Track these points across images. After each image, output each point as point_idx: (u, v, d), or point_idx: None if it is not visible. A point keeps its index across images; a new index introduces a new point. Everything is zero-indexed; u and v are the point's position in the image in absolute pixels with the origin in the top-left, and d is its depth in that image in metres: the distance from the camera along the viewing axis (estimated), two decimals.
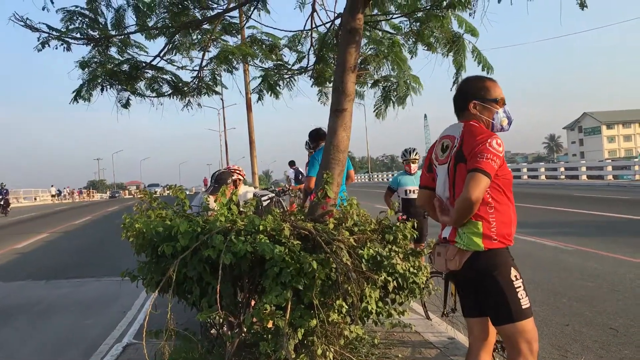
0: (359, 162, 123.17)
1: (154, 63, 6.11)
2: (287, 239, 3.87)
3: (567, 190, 26.54)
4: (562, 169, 37.33)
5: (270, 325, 3.94)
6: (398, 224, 4.36)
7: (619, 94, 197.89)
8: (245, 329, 4.05)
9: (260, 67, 6.81)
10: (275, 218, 4.10)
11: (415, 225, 4.48)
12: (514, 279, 2.86)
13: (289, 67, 6.43)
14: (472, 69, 6.43)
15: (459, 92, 3.13)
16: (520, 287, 2.86)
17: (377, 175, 67.68)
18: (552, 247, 10.64)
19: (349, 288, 3.73)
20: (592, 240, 10.91)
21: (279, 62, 6.57)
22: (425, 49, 5.97)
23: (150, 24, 6.04)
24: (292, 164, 15.56)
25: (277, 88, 6.73)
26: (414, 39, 5.86)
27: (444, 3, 4.87)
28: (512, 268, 2.88)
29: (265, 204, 6.28)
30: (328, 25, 5.89)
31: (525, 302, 2.85)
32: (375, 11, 6.16)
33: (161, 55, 5.99)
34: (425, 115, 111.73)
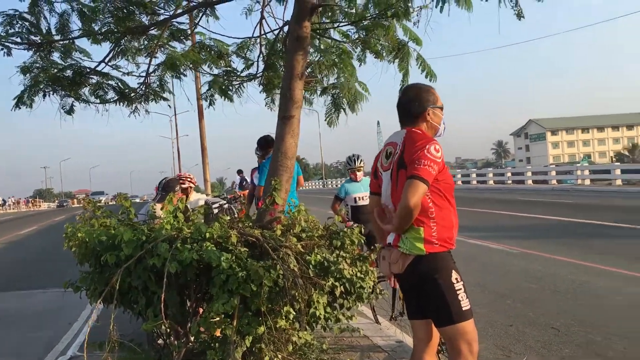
0: (313, 169, 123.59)
1: (98, 69, 5.99)
2: (234, 246, 3.86)
3: (514, 194, 27.32)
4: (509, 174, 38.42)
5: (218, 333, 3.92)
6: (345, 229, 4.41)
7: (563, 101, 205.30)
8: (192, 338, 4.01)
9: (209, 73, 6.78)
10: (222, 225, 4.08)
11: (363, 230, 4.54)
12: (454, 281, 2.94)
13: (238, 73, 6.42)
14: (416, 76, 6.57)
15: (415, 100, 3.17)
16: (460, 289, 2.94)
17: (332, 182, 67.98)
18: (498, 250, 10.93)
19: (296, 294, 3.75)
20: (537, 243, 11.26)
21: (227, 68, 6.54)
22: (374, 56, 6.08)
23: (96, 29, 5.93)
24: (239, 172, 16.18)
25: (230, 93, 6.71)
26: (361, 47, 5.95)
27: (389, 13, 4.96)
28: (453, 271, 2.96)
29: (216, 211, 6.23)
30: (277, 32, 5.92)
31: (465, 304, 2.94)
32: (324, 19, 6.23)
33: (106, 60, 5.88)
34: (379, 122, 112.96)
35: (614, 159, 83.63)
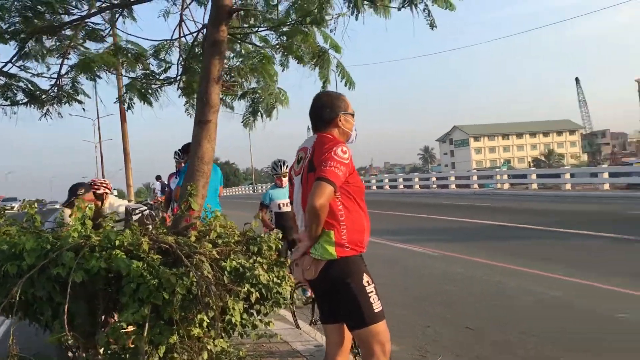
0: (243, 174, 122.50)
1: (5, 69, 5.69)
2: (146, 254, 3.76)
3: (438, 198, 28.14)
4: (434, 179, 39.63)
5: (130, 344, 3.80)
6: (263, 235, 4.39)
7: (486, 108, 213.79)
8: (101, 350, 3.87)
9: (127, 76, 6.59)
10: (134, 232, 3.97)
11: (288, 236, 4.54)
12: (366, 284, 2.99)
13: (157, 77, 6.28)
14: (337, 83, 6.63)
15: (326, 106, 3.22)
16: (372, 292, 2.99)
17: (262, 187, 67.61)
18: (420, 253, 11.22)
19: (210, 301, 3.69)
20: (456, 246, 11.63)
21: (146, 71, 6.38)
22: (297, 62, 6.10)
23: (4, 27, 5.63)
24: (158, 177, 16.31)
25: (148, 97, 6.55)
26: (283, 52, 5.96)
27: (308, 19, 5.00)
28: (364, 274, 3.01)
29: (136, 217, 6.05)
30: (195, 35, 5.84)
31: (377, 306, 2.99)
32: (245, 24, 6.20)
33: (12, 61, 5.59)
34: (309, 127, 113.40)
35: (531, 164, 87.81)
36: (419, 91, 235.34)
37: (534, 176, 30.56)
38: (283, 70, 6.19)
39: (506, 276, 8.51)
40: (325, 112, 3.19)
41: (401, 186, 40.40)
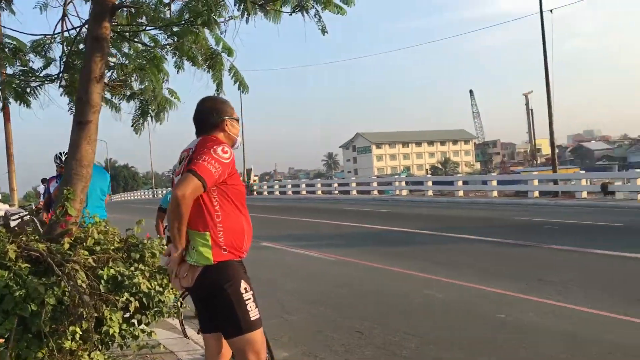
0: (143, 178, 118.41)
1: None
2: (12, 262, 3.50)
3: (339, 204, 28.64)
4: (336, 185, 40.31)
5: None
6: (145, 241, 4.23)
7: (388, 116, 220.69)
8: None
9: (4, 73, 6.14)
10: (0, 239, 3.68)
11: (165, 242, 4.38)
12: (243, 291, 2.93)
13: (36, 74, 5.88)
14: (229, 87, 6.55)
15: (212, 110, 3.16)
16: (250, 299, 2.94)
17: (162, 191, 65.60)
18: (317, 258, 11.31)
19: (84, 312, 3.49)
20: (353, 251, 11.85)
21: (24, 68, 5.97)
22: (191, 64, 5.96)
23: None
24: (44, 180, 15.43)
25: (26, 96, 6.11)
26: (173, 53, 5.80)
27: (199, 20, 4.89)
28: (242, 280, 2.95)
29: (15, 222, 5.66)
30: (78, 30, 5.53)
31: (254, 314, 2.94)
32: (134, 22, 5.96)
33: None
34: None
35: (429, 172, 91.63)
36: (325, 98, 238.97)
37: (429, 183, 31.92)
38: (178, 72, 6.04)
39: (398, 280, 8.77)
40: (211, 116, 3.13)
41: (304, 192, 40.74)
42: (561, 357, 5.00)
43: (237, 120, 3.24)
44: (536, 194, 24.78)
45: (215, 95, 3.39)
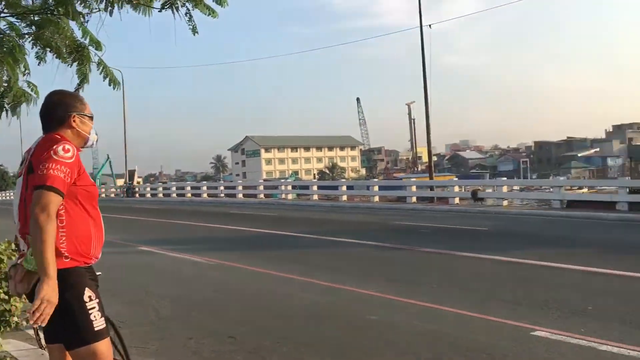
0: (12, 177, 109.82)
1: None
2: None
3: (225, 208, 28.25)
4: (222, 188, 39.77)
5: None
6: None
7: (277, 121, 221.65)
8: None
9: None
10: None
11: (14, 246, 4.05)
12: (87, 300, 2.74)
13: None
14: (97, 82, 6.19)
15: (59, 104, 2.92)
16: (94, 307, 2.75)
17: None
18: (198, 262, 11.02)
19: None
20: (235, 255, 11.71)
21: None
22: (55, 56, 5.57)
23: None
24: None
25: None
26: (34, 43, 5.39)
27: (61, 9, 4.58)
28: (86, 288, 2.75)
29: None
30: None
31: (98, 324, 2.75)
32: None
33: None
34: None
35: (316, 176, 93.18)
36: (215, 99, 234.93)
37: (315, 187, 32.42)
38: (39, 63, 5.63)
39: (278, 283, 8.77)
40: (57, 110, 2.89)
41: (189, 194, 39.78)
42: (427, 357, 5.22)
43: (90, 117, 3.01)
44: (414, 199, 25.93)
45: (65, 89, 3.12)
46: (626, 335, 5.48)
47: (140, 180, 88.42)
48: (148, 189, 47.74)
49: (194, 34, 4.66)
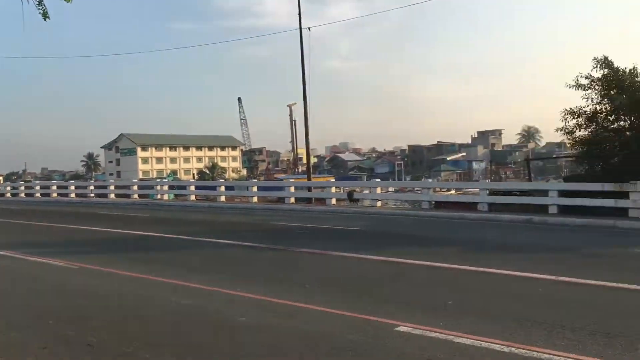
0: None
1: None
2: None
3: (93, 208, 26.73)
4: (92, 187, 37.62)
5: None
6: None
7: (155, 118, 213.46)
8: None
9: None
10: None
11: None
12: None
13: None
14: None
15: None
16: None
17: None
18: (58, 266, 10.30)
19: None
20: (99, 258, 11.11)
21: None
22: None
23: None
24: None
25: None
26: None
27: None
28: None
29: None
30: None
31: None
32: None
33: None
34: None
35: (195, 176, 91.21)
36: (85, 95, 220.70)
37: (192, 188, 31.65)
38: None
39: (145, 287, 8.42)
40: None
41: (55, 194, 37.16)
42: (293, 356, 5.24)
43: None
44: (293, 200, 26.14)
45: None
46: (480, 328, 5.87)
47: (0, 178, 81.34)
48: (8, 188, 43.94)
49: (45, 19, 4.30)
